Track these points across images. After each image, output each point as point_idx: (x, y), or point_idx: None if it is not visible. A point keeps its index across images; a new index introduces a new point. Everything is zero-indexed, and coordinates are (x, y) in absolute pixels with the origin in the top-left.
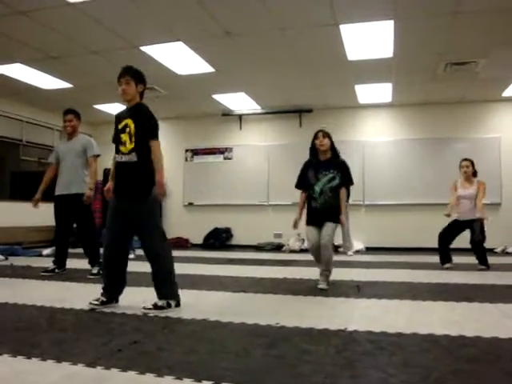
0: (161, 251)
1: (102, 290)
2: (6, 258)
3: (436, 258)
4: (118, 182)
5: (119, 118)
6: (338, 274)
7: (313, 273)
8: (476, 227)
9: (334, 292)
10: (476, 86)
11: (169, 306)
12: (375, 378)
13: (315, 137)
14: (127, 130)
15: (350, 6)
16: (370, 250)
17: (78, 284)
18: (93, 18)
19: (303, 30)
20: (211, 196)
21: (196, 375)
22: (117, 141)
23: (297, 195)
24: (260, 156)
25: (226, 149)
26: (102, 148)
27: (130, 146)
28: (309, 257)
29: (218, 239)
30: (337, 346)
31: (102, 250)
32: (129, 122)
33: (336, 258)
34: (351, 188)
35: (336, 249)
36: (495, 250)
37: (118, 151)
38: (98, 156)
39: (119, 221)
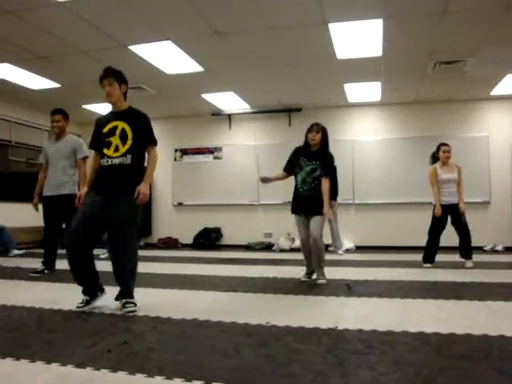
0: (130, 248)
1: (82, 288)
2: None
3: None
4: (104, 183)
5: (104, 121)
6: (328, 273)
7: (303, 272)
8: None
9: (325, 291)
10: (464, 84)
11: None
12: (366, 377)
13: (309, 129)
14: (118, 132)
15: (339, 4)
16: (359, 248)
17: (67, 285)
18: (81, 18)
19: (292, 28)
20: (201, 196)
21: (186, 375)
22: (100, 145)
23: (286, 194)
24: (250, 155)
25: (216, 148)
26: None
27: (123, 148)
28: (299, 256)
29: (208, 239)
30: (327, 344)
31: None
32: (121, 124)
33: (326, 257)
34: (341, 187)
35: (326, 248)
36: (484, 248)
37: (103, 155)
38: (86, 157)
39: (94, 217)
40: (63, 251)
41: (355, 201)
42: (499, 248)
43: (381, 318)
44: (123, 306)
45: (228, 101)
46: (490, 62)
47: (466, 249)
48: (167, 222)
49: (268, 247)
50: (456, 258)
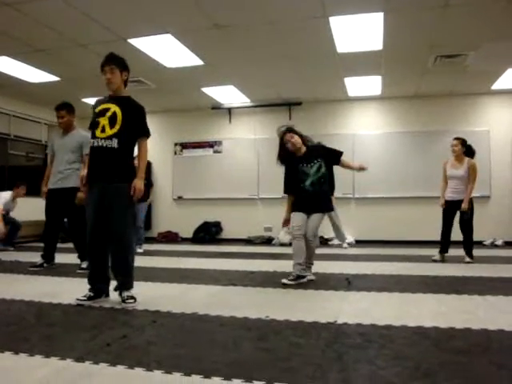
0: (126, 241)
1: (88, 286)
2: None
3: (425, 251)
4: (93, 168)
5: (98, 103)
6: (327, 267)
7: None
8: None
9: (324, 285)
10: (465, 78)
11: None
12: (365, 371)
13: (283, 140)
14: (108, 114)
15: None
16: (359, 242)
17: (66, 279)
18: (80, 11)
19: (292, 22)
20: (201, 190)
21: (186, 369)
22: (91, 125)
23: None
24: (250, 149)
25: (216, 142)
26: None
27: (110, 131)
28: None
29: (208, 233)
30: (326, 338)
31: None
32: (113, 107)
33: (326, 250)
34: (341, 181)
35: (326, 241)
36: (484, 243)
37: (93, 136)
38: None
39: (96, 206)
40: (63, 245)
41: (355, 195)
42: (499, 242)
43: (380, 312)
44: (123, 301)
45: (228, 94)
46: (491, 57)
47: (465, 246)
48: (167, 215)
49: (268, 241)
50: (456, 252)
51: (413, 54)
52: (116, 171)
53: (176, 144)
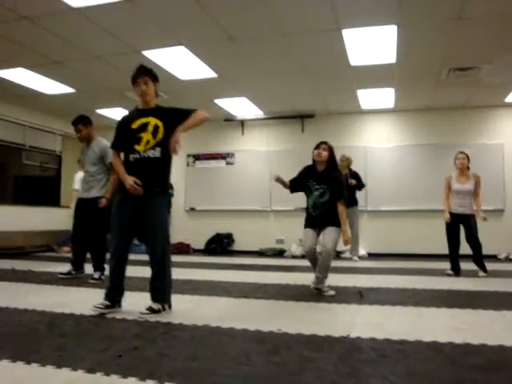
0: (166, 253)
1: (104, 295)
2: None
3: (438, 265)
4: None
5: (129, 119)
6: (340, 280)
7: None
8: (472, 222)
9: (337, 298)
10: (479, 91)
11: (163, 309)
12: None
13: (316, 147)
14: (150, 128)
15: (353, 10)
16: (372, 256)
17: (78, 289)
18: (95, 23)
19: (306, 34)
20: (213, 201)
21: (197, 382)
22: (129, 141)
23: (298, 201)
24: (262, 161)
25: (228, 154)
26: None
27: (153, 141)
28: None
29: (220, 245)
30: (340, 353)
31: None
32: (154, 121)
33: (339, 263)
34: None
35: (338, 254)
36: (499, 257)
37: (132, 151)
38: None
39: (129, 219)
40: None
41: (368, 208)
42: None
43: (394, 326)
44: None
45: (241, 106)
46: (505, 69)
47: (476, 261)
48: (179, 227)
49: (280, 253)
50: (470, 266)
51: (426, 66)
52: (156, 182)
53: (189, 155)
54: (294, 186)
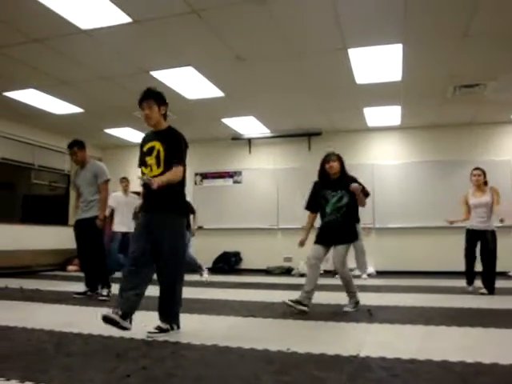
0: (178, 273)
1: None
2: None
3: (447, 282)
4: (147, 202)
5: (144, 140)
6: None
7: (324, 298)
8: (489, 237)
9: (345, 317)
10: (485, 108)
11: (172, 328)
12: None
13: (325, 160)
14: (154, 153)
15: (359, 30)
16: (380, 273)
17: (86, 308)
18: (104, 45)
19: (312, 54)
20: (220, 220)
21: None
22: (142, 164)
23: (305, 219)
24: (269, 180)
25: (236, 172)
26: (113, 172)
27: (157, 170)
28: (320, 281)
29: (228, 263)
30: (349, 372)
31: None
32: (157, 145)
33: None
34: (362, 211)
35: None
36: (509, 274)
37: (142, 173)
38: (108, 181)
39: (141, 236)
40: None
41: (376, 225)
42: None
43: (404, 345)
44: (155, 328)
45: (248, 125)
46: (511, 86)
47: (488, 278)
48: None
49: (287, 271)
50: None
51: (432, 84)
52: (166, 204)
53: (196, 174)
54: (314, 204)
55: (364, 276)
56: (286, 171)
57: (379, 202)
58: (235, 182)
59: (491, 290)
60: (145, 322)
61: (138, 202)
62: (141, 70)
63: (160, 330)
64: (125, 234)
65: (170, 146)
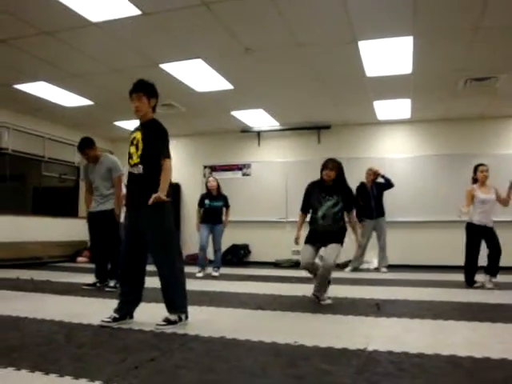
0: (173, 263)
1: (116, 306)
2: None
3: (456, 276)
4: (128, 195)
5: (132, 132)
6: (356, 292)
7: (332, 291)
8: (495, 233)
9: (353, 310)
10: (496, 101)
11: (180, 319)
12: None
13: (324, 166)
14: (134, 142)
15: (369, 22)
16: (389, 267)
17: (96, 299)
18: (114, 37)
19: (322, 46)
20: (230, 212)
21: None
22: (128, 155)
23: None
24: (278, 172)
25: (245, 165)
26: (123, 164)
27: (136, 159)
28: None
29: (236, 256)
30: (357, 366)
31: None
32: (138, 135)
33: (355, 275)
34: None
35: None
36: None
37: (128, 164)
38: (121, 175)
39: (132, 233)
40: (91, 265)
41: (385, 219)
42: None
43: (412, 339)
44: (163, 320)
45: (257, 118)
46: None
47: (494, 271)
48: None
49: (296, 265)
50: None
51: (442, 77)
52: (146, 197)
53: (205, 167)
54: (308, 206)
55: (383, 269)
56: (295, 164)
57: (389, 196)
58: (244, 174)
59: (495, 273)
60: (153, 314)
61: None
62: (150, 62)
63: (168, 321)
64: None
65: (152, 137)
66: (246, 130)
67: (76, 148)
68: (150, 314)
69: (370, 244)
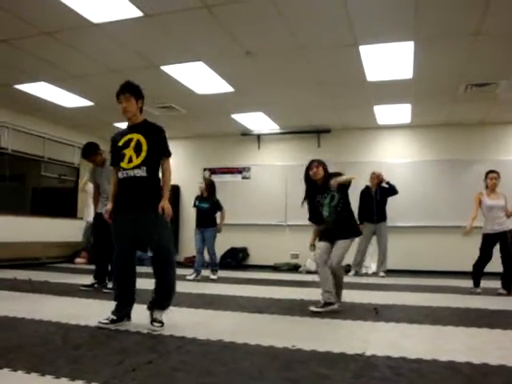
0: (171, 264)
1: (113, 308)
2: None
3: (455, 282)
4: (124, 197)
5: (119, 136)
6: (355, 296)
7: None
8: (509, 236)
9: (352, 315)
10: (496, 107)
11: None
12: None
13: (308, 168)
14: (132, 144)
15: (370, 26)
16: (388, 272)
17: (94, 300)
18: (115, 38)
19: (323, 50)
20: (228, 215)
21: None
22: (117, 159)
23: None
24: (278, 176)
25: (244, 168)
26: None
27: (137, 160)
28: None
29: (235, 259)
30: (354, 371)
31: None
32: (136, 136)
33: (354, 279)
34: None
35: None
36: None
37: (120, 169)
38: None
39: (126, 234)
40: (89, 266)
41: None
42: None
43: (410, 344)
44: (151, 322)
45: (257, 121)
46: None
47: (506, 279)
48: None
49: (295, 268)
50: (489, 284)
51: (443, 82)
52: (152, 200)
53: (205, 169)
54: (317, 215)
55: (381, 274)
56: (294, 168)
57: (388, 201)
58: (244, 177)
59: (509, 289)
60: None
61: None
62: (151, 64)
63: (161, 322)
64: None
65: (154, 137)
66: (246, 133)
67: (75, 149)
68: (148, 316)
69: (370, 248)
